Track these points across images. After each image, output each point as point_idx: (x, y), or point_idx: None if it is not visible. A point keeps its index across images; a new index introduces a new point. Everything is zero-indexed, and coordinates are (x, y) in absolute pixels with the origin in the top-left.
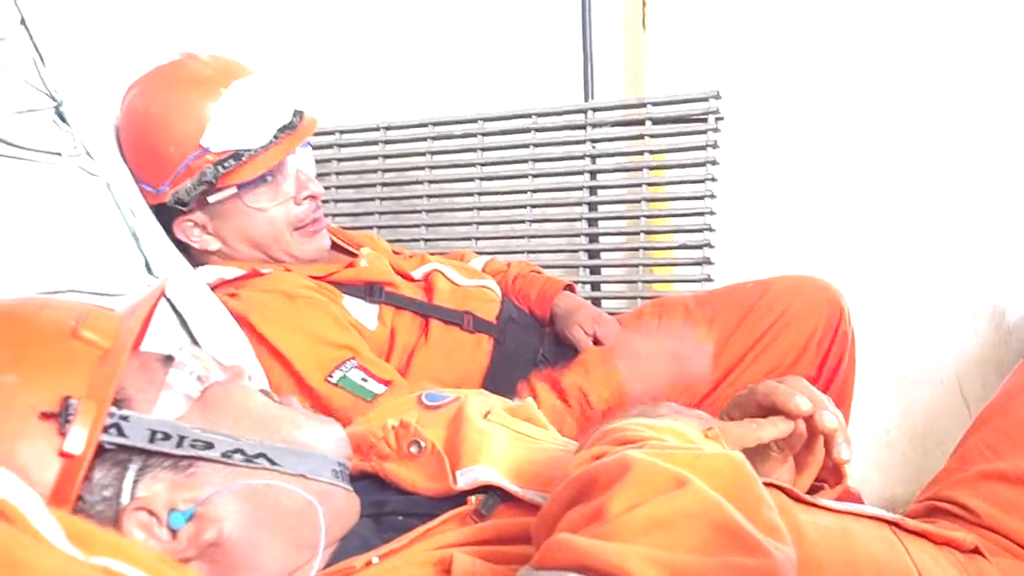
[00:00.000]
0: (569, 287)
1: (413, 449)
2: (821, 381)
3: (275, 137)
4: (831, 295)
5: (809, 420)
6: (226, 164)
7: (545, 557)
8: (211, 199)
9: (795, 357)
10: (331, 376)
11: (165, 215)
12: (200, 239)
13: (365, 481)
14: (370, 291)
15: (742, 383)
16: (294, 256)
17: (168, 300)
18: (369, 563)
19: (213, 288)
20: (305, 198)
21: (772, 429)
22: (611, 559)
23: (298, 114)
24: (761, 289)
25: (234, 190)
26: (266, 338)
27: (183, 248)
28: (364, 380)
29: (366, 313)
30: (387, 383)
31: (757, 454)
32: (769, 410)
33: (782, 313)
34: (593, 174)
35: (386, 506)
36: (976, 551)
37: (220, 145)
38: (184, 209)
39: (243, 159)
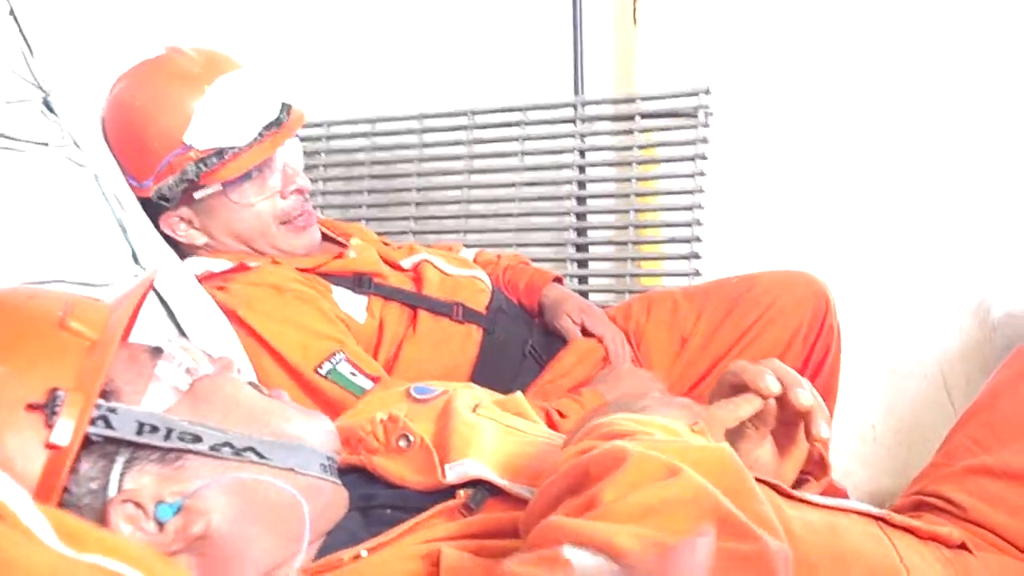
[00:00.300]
0: (557, 280)
1: (402, 443)
2: (807, 375)
3: (260, 134)
4: (817, 289)
5: (785, 399)
6: (208, 162)
7: (536, 538)
8: (196, 195)
9: (781, 351)
10: (320, 368)
11: (152, 209)
12: (186, 234)
13: (353, 475)
14: (359, 282)
15: None
16: (281, 250)
17: (156, 291)
18: (357, 556)
19: (201, 280)
20: (292, 192)
21: (748, 406)
22: (601, 535)
23: (285, 108)
24: (748, 283)
25: (219, 186)
26: (255, 330)
27: (171, 240)
28: (353, 375)
29: (355, 305)
30: (375, 379)
31: (735, 433)
32: (741, 390)
33: (768, 307)
34: (582, 168)
35: (374, 500)
36: (962, 546)
37: (204, 143)
38: (168, 205)
39: (226, 157)
